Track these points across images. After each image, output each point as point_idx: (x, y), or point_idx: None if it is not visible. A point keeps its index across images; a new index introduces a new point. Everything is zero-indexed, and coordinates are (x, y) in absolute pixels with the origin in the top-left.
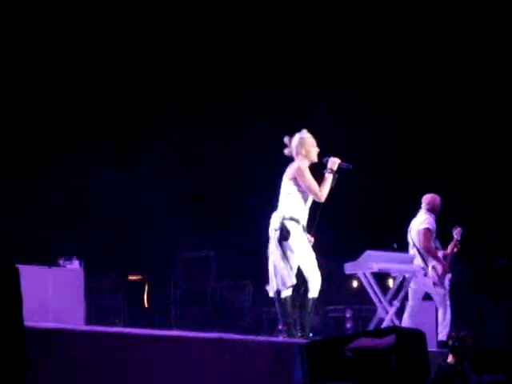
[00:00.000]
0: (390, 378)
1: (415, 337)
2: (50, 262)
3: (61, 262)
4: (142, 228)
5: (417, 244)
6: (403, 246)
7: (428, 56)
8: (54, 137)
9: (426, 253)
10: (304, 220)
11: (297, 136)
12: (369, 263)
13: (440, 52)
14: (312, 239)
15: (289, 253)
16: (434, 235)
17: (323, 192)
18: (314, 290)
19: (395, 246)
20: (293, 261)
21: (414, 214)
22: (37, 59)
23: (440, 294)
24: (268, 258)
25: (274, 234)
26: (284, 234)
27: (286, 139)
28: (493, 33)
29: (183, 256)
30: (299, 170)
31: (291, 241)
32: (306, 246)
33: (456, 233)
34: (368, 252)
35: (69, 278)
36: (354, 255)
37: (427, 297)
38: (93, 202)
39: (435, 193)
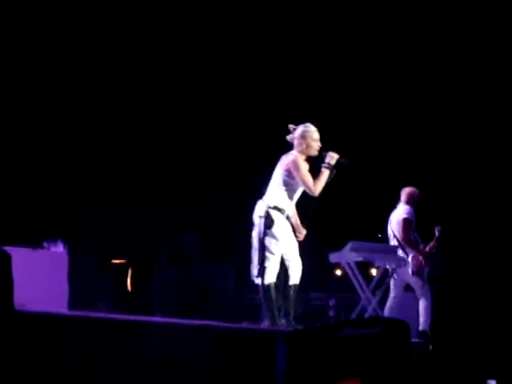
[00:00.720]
0: (375, 368)
1: (400, 328)
2: (35, 244)
3: (45, 244)
4: (126, 212)
5: (397, 235)
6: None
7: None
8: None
9: (405, 243)
10: (290, 211)
11: (301, 127)
12: (353, 253)
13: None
14: (304, 231)
15: (273, 241)
16: (414, 225)
17: (317, 187)
18: (294, 277)
19: (380, 236)
20: (275, 249)
21: (393, 206)
22: None
23: (418, 285)
24: (251, 245)
25: (258, 220)
26: (268, 222)
27: (290, 126)
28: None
29: (167, 240)
30: (294, 162)
31: (275, 229)
32: (289, 235)
33: (437, 230)
34: (352, 242)
35: (53, 260)
36: (339, 244)
37: (409, 288)
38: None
39: (416, 185)
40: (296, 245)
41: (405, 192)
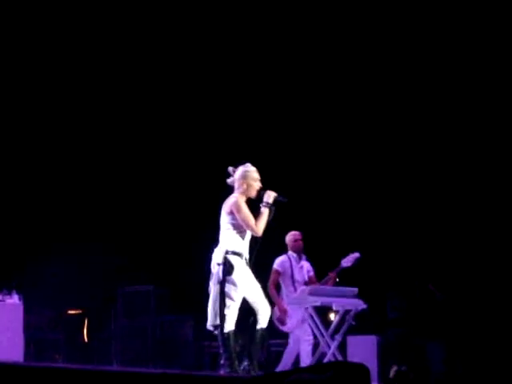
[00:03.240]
0: None
1: (357, 372)
2: None
3: (0, 296)
4: (82, 262)
5: None
6: (346, 280)
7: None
8: None
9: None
10: (246, 253)
11: (240, 169)
12: (311, 297)
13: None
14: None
15: (232, 287)
16: (290, 272)
17: (259, 226)
18: (263, 321)
19: (338, 280)
20: (235, 295)
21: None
22: None
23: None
24: (209, 293)
25: (216, 268)
26: (227, 269)
27: (230, 169)
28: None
29: (123, 290)
30: (236, 204)
31: (235, 275)
32: (251, 278)
33: (347, 260)
34: (310, 286)
35: (8, 312)
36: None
37: (370, 331)
38: (33, 236)
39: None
40: (259, 287)
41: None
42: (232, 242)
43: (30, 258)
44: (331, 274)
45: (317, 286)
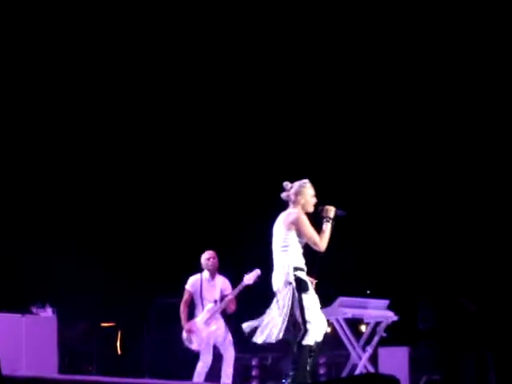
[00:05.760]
0: None
1: (391, 383)
2: (23, 309)
3: (34, 309)
4: (115, 273)
5: None
6: (376, 293)
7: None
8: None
9: None
10: (305, 266)
11: (297, 184)
12: (342, 309)
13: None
14: (314, 281)
15: (311, 299)
16: (199, 291)
17: (323, 242)
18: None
19: (369, 292)
20: (315, 306)
21: None
22: None
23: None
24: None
25: (286, 288)
26: (302, 285)
27: (285, 183)
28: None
29: (156, 302)
30: (300, 220)
31: (310, 290)
32: (314, 293)
33: (249, 278)
34: (341, 298)
35: (42, 325)
36: (327, 301)
37: (401, 342)
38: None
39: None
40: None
41: None
42: (296, 258)
43: (62, 271)
44: (230, 297)
45: (347, 298)
